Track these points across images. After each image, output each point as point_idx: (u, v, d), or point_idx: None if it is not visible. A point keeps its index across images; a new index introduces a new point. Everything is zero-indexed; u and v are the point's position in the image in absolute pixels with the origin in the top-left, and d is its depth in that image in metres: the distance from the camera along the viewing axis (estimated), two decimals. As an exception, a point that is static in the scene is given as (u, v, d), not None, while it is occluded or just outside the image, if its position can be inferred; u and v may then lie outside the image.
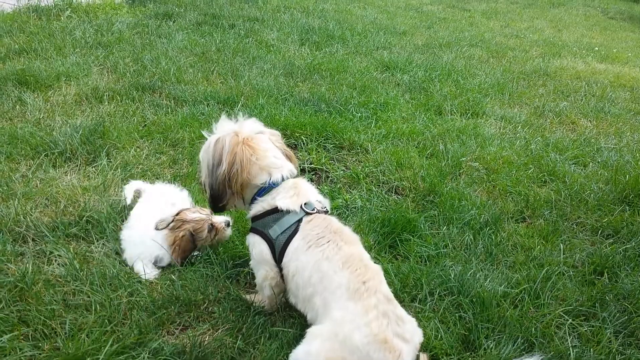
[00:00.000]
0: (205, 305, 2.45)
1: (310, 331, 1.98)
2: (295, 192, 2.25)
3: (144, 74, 5.00)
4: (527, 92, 6.22)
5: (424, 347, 2.30)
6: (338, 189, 3.64)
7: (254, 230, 2.30)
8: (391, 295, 2.03)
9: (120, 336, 2.17)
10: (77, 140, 3.63)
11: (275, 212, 2.22)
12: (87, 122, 3.94)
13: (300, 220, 2.19)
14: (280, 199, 2.23)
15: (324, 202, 2.33)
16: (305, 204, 2.22)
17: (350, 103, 4.97)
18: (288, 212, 2.21)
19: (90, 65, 5.16)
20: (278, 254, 2.21)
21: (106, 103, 4.38)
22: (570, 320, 2.54)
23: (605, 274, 2.96)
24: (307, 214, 2.20)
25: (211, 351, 2.17)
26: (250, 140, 2.23)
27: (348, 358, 1.86)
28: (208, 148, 2.27)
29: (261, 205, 2.26)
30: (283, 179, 2.26)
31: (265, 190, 2.26)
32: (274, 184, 2.25)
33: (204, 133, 2.38)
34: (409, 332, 1.96)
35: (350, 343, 1.86)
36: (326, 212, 2.28)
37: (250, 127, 2.31)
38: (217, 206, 2.32)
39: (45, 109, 4.16)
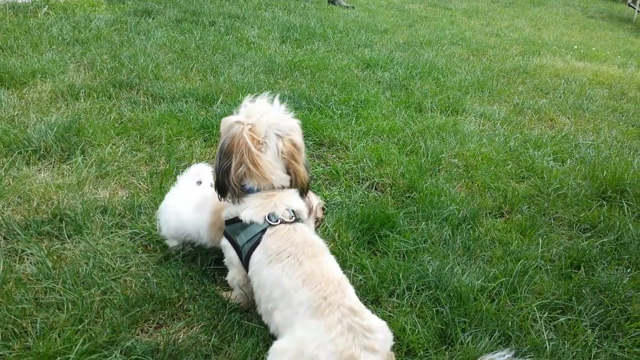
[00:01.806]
0: (180, 302, 2.41)
1: (273, 348, 1.92)
2: (263, 203, 2.18)
3: (122, 70, 4.94)
4: (507, 89, 6.26)
5: (401, 342, 2.30)
6: (318, 185, 3.62)
7: (225, 234, 2.27)
8: (357, 306, 1.97)
9: (93, 335, 2.13)
10: (51, 137, 3.57)
11: (240, 221, 2.19)
12: (62, 120, 3.88)
13: (263, 231, 2.14)
14: (244, 208, 2.18)
15: (302, 211, 2.27)
16: (269, 215, 2.16)
17: (330, 100, 4.96)
18: (251, 222, 2.16)
19: (66, 62, 5.09)
20: (244, 262, 2.18)
21: (82, 100, 4.31)
22: (547, 313, 2.55)
23: (582, 267, 2.97)
24: (270, 225, 2.15)
25: (185, 349, 2.14)
26: (257, 147, 2.14)
27: None
28: (228, 130, 2.18)
29: (231, 210, 2.24)
30: (259, 189, 2.20)
31: (245, 190, 2.22)
32: (250, 190, 2.20)
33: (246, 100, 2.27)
34: (379, 341, 1.91)
35: None
36: (296, 220, 2.20)
37: (273, 123, 2.18)
38: (222, 194, 2.25)
39: (20, 106, 4.08)
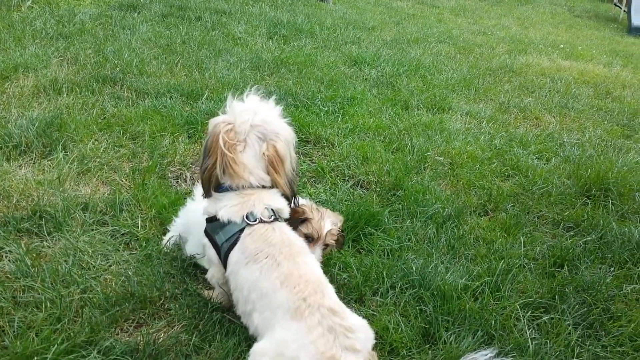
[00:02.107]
0: (161, 301, 2.38)
1: (253, 350, 1.90)
2: (241, 202, 2.15)
3: (106, 65, 4.88)
4: (493, 88, 6.28)
5: (384, 341, 2.29)
6: (303, 183, 3.60)
7: (205, 232, 2.24)
8: (337, 306, 1.96)
9: (71, 334, 2.09)
10: (32, 132, 3.51)
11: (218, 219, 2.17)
12: (44, 115, 3.82)
13: (242, 231, 2.11)
14: (222, 206, 2.16)
15: (283, 210, 2.23)
16: (248, 214, 2.13)
17: (317, 97, 4.93)
18: (229, 221, 2.13)
19: (49, 56, 5.01)
20: (223, 261, 2.16)
21: (65, 95, 4.25)
22: (530, 312, 2.56)
23: (566, 266, 2.98)
24: (248, 224, 2.12)
25: (166, 349, 2.11)
26: (235, 149, 2.12)
27: None
28: (212, 130, 2.16)
29: (210, 208, 2.21)
30: (239, 188, 2.17)
31: (222, 189, 2.19)
32: (229, 188, 2.17)
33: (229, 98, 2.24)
34: (360, 340, 1.90)
35: None
36: (275, 219, 2.17)
37: (257, 125, 2.14)
38: (206, 191, 2.23)
39: (1, 101, 4.02)
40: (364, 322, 1.99)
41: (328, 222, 2.53)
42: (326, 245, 2.55)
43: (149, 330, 2.21)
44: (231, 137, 2.10)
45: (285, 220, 2.28)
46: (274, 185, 2.21)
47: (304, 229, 2.48)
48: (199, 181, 2.28)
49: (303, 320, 1.86)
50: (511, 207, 3.56)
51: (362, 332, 1.94)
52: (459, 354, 2.15)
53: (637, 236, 3.31)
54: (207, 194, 2.22)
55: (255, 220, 2.12)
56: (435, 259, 2.85)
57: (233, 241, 2.10)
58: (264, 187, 2.19)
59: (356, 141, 4.22)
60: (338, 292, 2.52)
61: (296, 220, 2.45)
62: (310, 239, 2.48)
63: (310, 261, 2.10)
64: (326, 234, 2.51)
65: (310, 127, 4.25)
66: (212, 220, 2.19)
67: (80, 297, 2.31)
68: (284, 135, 2.19)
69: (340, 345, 1.84)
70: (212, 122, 2.19)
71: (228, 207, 2.14)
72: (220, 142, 2.09)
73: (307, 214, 2.52)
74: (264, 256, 2.03)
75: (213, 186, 2.20)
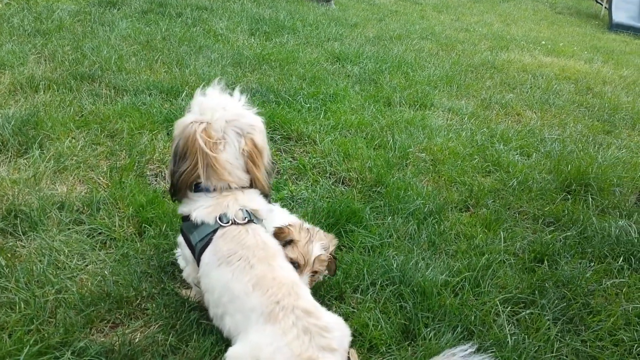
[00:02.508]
0: (138, 301, 2.35)
1: (228, 355, 1.87)
2: (215, 203, 2.10)
3: (84, 62, 4.80)
4: (475, 84, 6.30)
5: (363, 338, 2.28)
6: (284, 180, 3.58)
7: (181, 231, 2.20)
8: (312, 306, 1.93)
9: (45, 335, 2.05)
10: (8, 130, 3.44)
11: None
12: (21, 112, 3.74)
13: (215, 232, 2.06)
14: (196, 207, 2.11)
15: (259, 211, 2.17)
16: (221, 215, 2.08)
17: (299, 94, 4.90)
18: (202, 223, 2.08)
19: (27, 53, 4.91)
20: (197, 261, 2.12)
21: (42, 93, 4.17)
22: (510, 307, 2.56)
23: (546, 261, 3.00)
24: (221, 226, 2.06)
25: (142, 349, 2.08)
26: (217, 148, 2.06)
27: None
28: (182, 132, 2.08)
29: (185, 208, 2.16)
30: (217, 190, 2.11)
31: (198, 189, 2.14)
32: (206, 189, 2.12)
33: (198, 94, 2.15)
34: (336, 339, 1.88)
35: None
36: (250, 221, 2.11)
37: (231, 120, 2.07)
38: (176, 196, 2.18)
39: (-24, 99, 3.94)
40: (340, 320, 1.97)
41: (317, 246, 2.30)
42: (314, 272, 2.33)
43: (125, 330, 2.17)
44: (210, 136, 2.04)
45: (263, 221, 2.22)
46: (252, 184, 2.17)
47: (289, 252, 2.27)
48: (169, 186, 2.19)
49: (277, 323, 1.84)
50: (492, 203, 3.56)
51: (338, 330, 1.91)
52: (439, 350, 2.14)
53: (617, 231, 3.34)
54: (180, 197, 2.16)
55: (228, 222, 2.06)
56: (416, 255, 2.85)
57: (206, 242, 2.06)
58: (242, 187, 2.14)
59: (338, 138, 4.20)
60: (318, 290, 2.52)
61: (280, 242, 2.25)
62: (296, 265, 2.26)
63: (285, 265, 2.06)
64: (314, 259, 2.29)
65: (292, 124, 4.22)
66: (188, 218, 2.14)
67: (55, 298, 2.27)
68: (259, 126, 2.14)
69: (317, 346, 1.82)
70: (181, 123, 2.10)
71: (202, 209, 2.09)
72: (200, 142, 2.01)
73: (293, 235, 2.32)
74: (236, 258, 1.98)
75: (190, 187, 2.14)
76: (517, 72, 7.07)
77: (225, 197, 2.10)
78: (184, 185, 2.10)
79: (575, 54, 8.89)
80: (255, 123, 2.13)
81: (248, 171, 2.14)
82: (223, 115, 2.06)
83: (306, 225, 2.40)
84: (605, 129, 5.45)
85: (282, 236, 2.30)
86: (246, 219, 2.08)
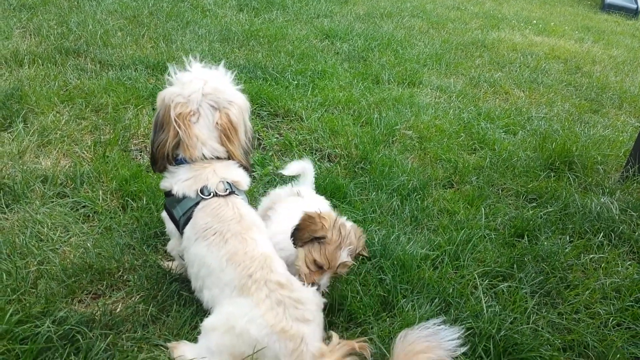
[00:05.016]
0: (120, 273, 2.37)
1: (204, 325, 1.93)
2: (194, 175, 2.11)
3: (69, 37, 4.75)
4: (464, 62, 6.29)
5: (342, 308, 2.31)
6: (270, 156, 3.58)
7: (165, 207, 2.22)
8: (285, 279, 1.96)
9: (26, 305, 2.06)
10: (-9, 104, 3.42)
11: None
12: (4, 86, 3.72)
13: (197, 205, 2.08)
14: (176, 181, 2.12)
15: (240, 182, 2.18)
16: (202, 188, 2.09)
17: (287, 70, 4.89)
18: (184, 196, 2.10)
19: (11, 27, 4.86)
20: (182, 235, 2.14)
21: (26, 67, 4.13)
22: (488, 281, 2.59)
23: (526, 236, 3.03)
24: (203, 199, 2.08)
25: (122, 319, 2.10)
26: (188, 118, 2.07)
27: (248, 352, 1.82)
28: (162, 103, 2.11)
29: (166, 182, 2.18)
30: (193, 160, 2.12)
31: (178, 161, 2.15)
32: (184, 161, 2.13)
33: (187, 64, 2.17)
34: (311, 311, 1.93)
35: (248, 336, 1.82)
36: (230, 193, 2.12)
37: (208, 93, 2.09)
38: (155, 166, 2.20)
39: (-41, 73, 3.90)
40: (314, 292, 2.01)
41: (345, 253, 2.10)
42: (335, 274, 2.18)
43: (106, 301, 2.20)
44: (183, 108, 2.06)
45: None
46: (230, 156, 2.18)
47: (314, 252, 2.11)
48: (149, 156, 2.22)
49: (250, 295, 1.88)
50: (476, 180, 3.59)
51: (312, 303, 1.96)
52: (415, 321, 2.18)
53: (598, 207, 3.37)
54: (160, 169, 2.18)
55: (210, 194, 2.08)
56: (398, 230, 2.87)
57: (189, 215, 2.08)
58: (218, 158, 2.15)
59: (325, 115, 4.20)
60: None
61: (309, 235, 2.12)
62: (319, 266, 2.12)
63: (258, 237, 2.06)
64: (339, 264, 2.12)
65: (279, 100, 4.22)
66: (170, 194, 2.15)
67: (37, 269, 2.28)
68: (238, 103, 2.14)
69: (291, 317, 1.87)
70: (161, 95, 2.13)
71: (182, 182, 2.11)
72: (172, 114, 2.04)
73: (326, 231, 2.11)
74: (211, 233, 2.01)
75: (169, 160, 2.15)
76: (507, 51, 7.06)
77: (204, 168, 2.11)
78: (161, 155, 2.11)
79: (566, 34, 8.87)
80: (234, 99, 2.14)
81: (223, 144, 2.15)
82: (201, 88, 2.07)
83: (340, 219, 2.19)
84: (592, 108, 5.47)
85: (312, 228, 2.11)
86: (227, 191, 2.10)
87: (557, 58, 7.17)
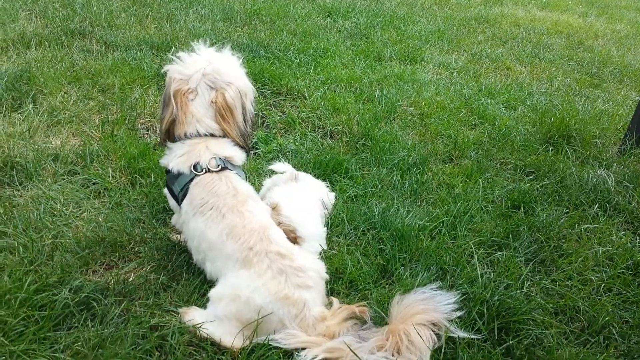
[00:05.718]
0: (131, 245, 2.48)
1: (211, 295, 2.05)
2: (188, 151, 2.19)
3: (74, 18, 4.82)
4: (467, 39, 6.31)
5: (343, 275, 2.41)
6: (273, 134, 3.67)
7: (166, 183, 2.33)
8: (285, 249, 2.07)
9: (43, 275, 2.18)
10: (2, 86, 3.51)
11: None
12: (13, 68, 3.81)
13: (192, 180, 2.17)
14: (172, 158, 2.22)
15: (233, 157, 2.25)
16: (195, 164, 2.17)
17: (289, 49, 4.94)
18: (179, 173, 2.20)
19: (17, 10, 4.93)
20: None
21: (33, 49, 4.22)
22: (483, 250, 2.69)
23: (522, 208, 3.11)
24: (196, 175, 2.17)
25: (135, 287, 2.22)
26: (185, 95, 2.16)
27: (254, 317, 1.94)
28: (167, 79, 2.22)
29: (165, 159, 2.29)
30: (188, 137, 2.20)
31: (175, 138, 2.25)
32: (179, 137, 2.22)
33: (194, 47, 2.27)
34: (312, 278, 2.05)
35: (254, 304, 1.94)
36: (224, 168, 2.20)
37: (207, 74, 2.17)
38: (163, 140, 2.30)
39: (-32, 55, 3.99)
40: (315, 259, 2.13)
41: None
42: None
43: (119, 271, 2.31)
44: (182, 85, 2.15)
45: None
46: (225, 135, 2.25)
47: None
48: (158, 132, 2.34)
49: (252, 267, 2.00)
50: (475, 154, 3.66)
51: (312, 270, 2.08)
52: (412, 287, 2.28)
53: (595, 179, 3.44)
54: (162, 144, 2.30)
55: (202, 170, 2.17)
56: (397, 203, 2.96)
57: (185, 191, 2.18)
58: (212, 135, 2.23)
59: (327, 93, 4.27)
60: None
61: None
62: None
63: (254, 209, 2.16)
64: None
65: (282, 78, 4.29)
66: (169, 171, 2.25)
67: (52, 242, 2.39)
68: (237, 84, 2.22)
69: (292, 285, 1.99)
70: (166, 70, 2.23)
71: (176, 158, 2.20)
72: (171, 91, 2.15)
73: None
74: (208, 208, 2.11)
75: (170, 137, 2.26)
76: (509, 27, 7.07)
77: (197, 144, 2.20)
78: (165, 132, 2.22)
79: (569, 8, 8.84)
80: (233, 81, 2.21)
81: (218, 123, 2.23)
82: (203, 69, 2.16)
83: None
84: (593, 82, 5.50)
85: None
86: (219, 167, 2.19)
87: (560, 33, 7.16)
